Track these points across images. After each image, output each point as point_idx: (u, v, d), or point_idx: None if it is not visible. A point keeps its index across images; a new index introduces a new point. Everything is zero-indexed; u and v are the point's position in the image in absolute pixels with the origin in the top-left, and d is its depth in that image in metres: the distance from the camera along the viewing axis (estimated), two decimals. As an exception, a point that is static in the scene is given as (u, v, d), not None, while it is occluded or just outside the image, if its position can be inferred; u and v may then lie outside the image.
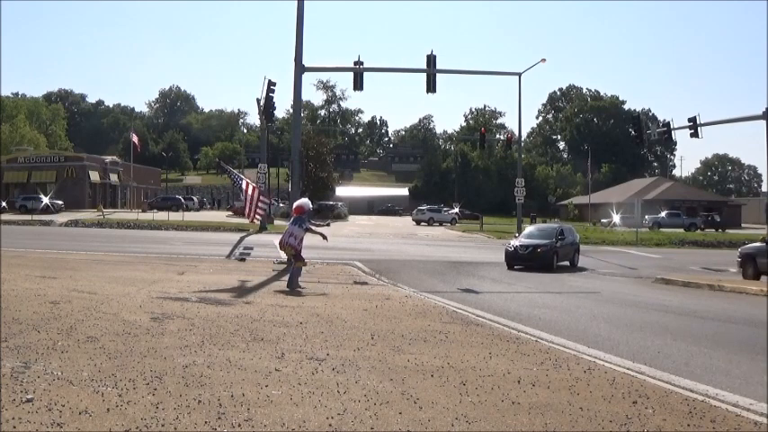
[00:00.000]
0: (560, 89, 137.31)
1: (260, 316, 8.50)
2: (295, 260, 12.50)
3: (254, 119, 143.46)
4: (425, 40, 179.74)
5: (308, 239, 13.11)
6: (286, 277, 12.68)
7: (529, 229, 24.41)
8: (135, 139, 78.09)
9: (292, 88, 20.22)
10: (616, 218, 57.20)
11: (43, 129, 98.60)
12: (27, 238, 25.35)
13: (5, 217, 42.47)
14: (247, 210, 20.17)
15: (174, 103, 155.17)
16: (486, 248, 31.30)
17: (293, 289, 11.76)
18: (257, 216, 21.08)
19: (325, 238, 13.14)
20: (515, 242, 21.90)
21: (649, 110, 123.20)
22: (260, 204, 20.21)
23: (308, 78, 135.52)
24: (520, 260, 20.86)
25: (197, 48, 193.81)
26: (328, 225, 14.31)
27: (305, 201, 13.24)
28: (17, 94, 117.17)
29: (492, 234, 42.99)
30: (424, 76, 26.02)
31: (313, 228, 12.91)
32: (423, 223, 58.02)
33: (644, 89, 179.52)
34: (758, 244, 20.25)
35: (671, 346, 8.51)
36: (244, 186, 19.91)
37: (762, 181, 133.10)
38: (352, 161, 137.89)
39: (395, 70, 31.43)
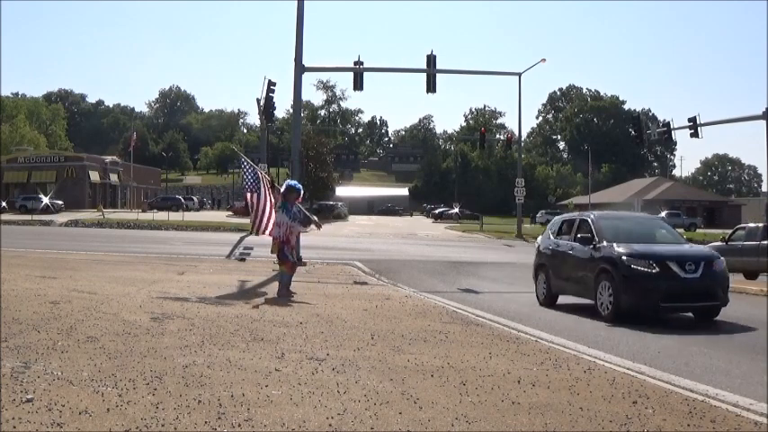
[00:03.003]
0: (560, 89, 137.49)
1: (260, 316, 8.49)
2: (278, 261, 10.89)
3: (254, 119, 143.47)
4: (425, 40, 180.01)
5: (310, 240, 12.89)
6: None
7: (608, 218, 12.14)
8: (133, 139, 78.40)
9: (292, 88, 20.17)
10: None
11: (43, 129, 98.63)
12: (27, 238, 25.35)
13: (5, 217, 42.47)
14: (257, 220, 12.18)
15: (174, 103, 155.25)
16: (486, 248, 31.32)
17: (280, 297, 10.39)
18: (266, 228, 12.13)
19: (318, 226, 11.71)
20: (632, 248, 10.54)
21: (649, 110, 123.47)
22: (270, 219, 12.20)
23: (308, 78, 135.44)
24: (689, 297, 10.35)
25: (197, 48, 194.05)
26: (318, 227, 12.37)
27: (289, 182, 11.42)
28: (17, 94, 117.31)
29: (492, 234, 43.01)
30: (424, 76, 26.01)
31: (304, 215, 11.35)
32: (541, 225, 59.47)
33: (644, 89, 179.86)
34: (718, 243, 20.57)
35: (671, 346, 8.50)
36: (261, 188, 12.28)
37: (762, 181, 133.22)
38: (352, 161, 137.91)
39: (395, 70, 31.46)
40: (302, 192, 11.49)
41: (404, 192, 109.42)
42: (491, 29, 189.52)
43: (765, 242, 18.10)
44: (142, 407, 4.33)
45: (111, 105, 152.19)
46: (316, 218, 12.00)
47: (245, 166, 12.43)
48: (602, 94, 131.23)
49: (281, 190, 11.29)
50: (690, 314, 10.94)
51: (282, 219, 10.85)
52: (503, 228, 49.04)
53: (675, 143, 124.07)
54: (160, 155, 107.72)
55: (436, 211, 76.42)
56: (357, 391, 5.01)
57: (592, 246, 11.11)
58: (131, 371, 5.25)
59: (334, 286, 12.73)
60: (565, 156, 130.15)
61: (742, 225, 22.71)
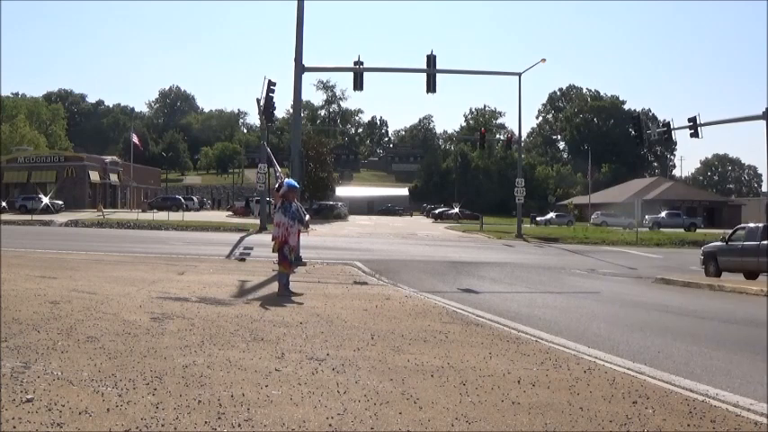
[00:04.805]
0: (560, 89, 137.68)
1: (260, 316, 8.49)
2: (277, 260, 11.02)
3: (254, 119, 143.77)
4: (425, 40, 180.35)
5: (310, 240, 12.90)
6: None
7: None
8: (135, 139, 78.19)
9: (292, 88, 20.19)
10: (552, 215, 70.15)
11: (43, 129, 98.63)
12: (27, 238, 25.34)
13: (5, 217, 42.48)
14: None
15: (174, 103, 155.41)
16: (486, 248, 31.30)
17: (280, 297, 10.48)
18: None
19: (306, 227, 12.00)
20: None
21: (649, 110, 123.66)
22: None
23: (308, 78, 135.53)
24: None
25: (197, 48, 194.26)
26: (306, 227, 12.65)
27: (288, 181, 11.48)
28: (17, 94, 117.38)
29: (492, 234, 42.99)
30: (424, 76, 26.03)
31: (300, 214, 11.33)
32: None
33: (644, 89, 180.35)
34: (719, 243, 20.54)
35: (671, 346, 8.50)
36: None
37: (762, 181, 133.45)
38: (352, 161, 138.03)
39: (395, 70, 31.48)
40: (298, 189, 11.74)
41: (404, 192, 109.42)
42: (491, 29, 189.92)
43: (765, 242, 18.10)
44: (142, 407, 4.33)
45: (111, 105, 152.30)
46: (308, 217, 12.10)
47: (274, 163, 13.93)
48: (602, 94, 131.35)
49: (281, 191, 11.31)
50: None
51: (281, 219, 10.88)
52: (503, 228, 49.05)
53: (675, 143, 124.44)
54: (160, 155, 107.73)
55: (436, 212, 76.46)
56: (357, 391, 5.01)
57: None
58: (131, 371, 5.25)
59: (335, 286, 12.72)
60: (565, 156, 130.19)
61: (742, 225, 22.66)
